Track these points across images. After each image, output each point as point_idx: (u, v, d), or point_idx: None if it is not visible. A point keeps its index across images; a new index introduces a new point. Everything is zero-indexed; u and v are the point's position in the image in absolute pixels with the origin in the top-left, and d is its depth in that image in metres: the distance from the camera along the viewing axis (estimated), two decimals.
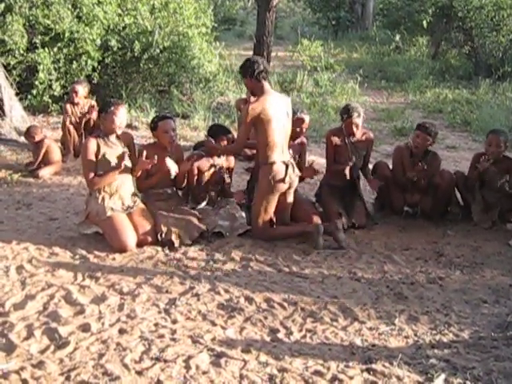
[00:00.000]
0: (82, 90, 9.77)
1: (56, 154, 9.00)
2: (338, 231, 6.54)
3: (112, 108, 6.28)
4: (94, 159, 6.26)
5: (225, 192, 7.14)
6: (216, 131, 7.08)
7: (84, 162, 6.32)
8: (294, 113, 6.95)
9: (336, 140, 7.35)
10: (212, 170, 6.98)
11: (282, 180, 6.44)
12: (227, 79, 15.18)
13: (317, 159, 8.56)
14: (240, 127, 6.75)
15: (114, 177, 6.32)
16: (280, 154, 6.47)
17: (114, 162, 6.29)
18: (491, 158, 7.17)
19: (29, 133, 8.98)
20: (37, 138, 8.91)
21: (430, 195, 7.34)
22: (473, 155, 7.70)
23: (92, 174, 6.25)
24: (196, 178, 6.93)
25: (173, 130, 6.68)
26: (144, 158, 6.36)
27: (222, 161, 7.05)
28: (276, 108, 6.40)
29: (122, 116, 6.37)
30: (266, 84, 6.50)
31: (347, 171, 7.33)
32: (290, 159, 6.62)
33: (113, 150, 6.34)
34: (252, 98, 6.63)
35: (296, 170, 6.61)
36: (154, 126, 6.68)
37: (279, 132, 6.44)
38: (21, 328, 4.55)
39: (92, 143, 6.28)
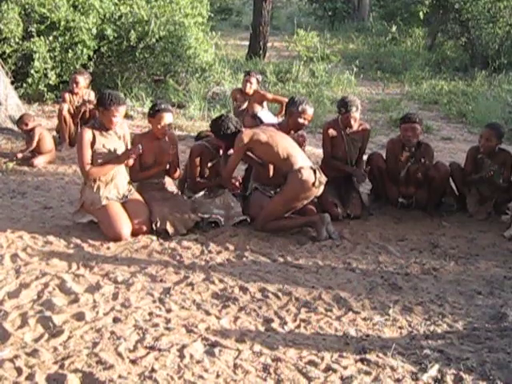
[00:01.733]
0: (83, 80, 9.74)
1: (49, 142, 8.97)
2: (326, 224, 6.52)
3: (112, 108, 6.18)
4: (89, 150, 6.22)
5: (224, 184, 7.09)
6: (222, 130, 6.76)
7: (80, 152, 6.26)
8: (297, 103, 6.95)
9: (333, 132, 7.34)
10: (214, 161, 6.95)
11: (313, 184, 6.39)
12: (223, 69, 15.18)
13: (312, 149, 8.55)
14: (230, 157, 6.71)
15: (111, 169, 6.30)
16: (303, 160, 6.50)
17: (109, 151, 6.27)
18: (484, 152, 7.20)
19: (21, 120, 8.97)
20: (29, 126, 8.88)
21: (425, 187, 7.33)
22: (468, 149, 7.68)
23: (89, 165, 6.21)
24: (198, 169, 6.90)
25: (169, 124, 6.64)
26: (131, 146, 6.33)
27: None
28: (267, 129, 6.55)
29: (121, 115, 6.32)
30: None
31: (345, 167, 7.33)
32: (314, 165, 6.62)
33: (108, 140, 6.31)
34: None
35: (323, 175, 6.55)
36: (152, 113, 6.59)
37: (285, 142, 6.50)
38: (15, 316, 4.54)
39: (87, 133, 6.23)
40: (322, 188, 6.52)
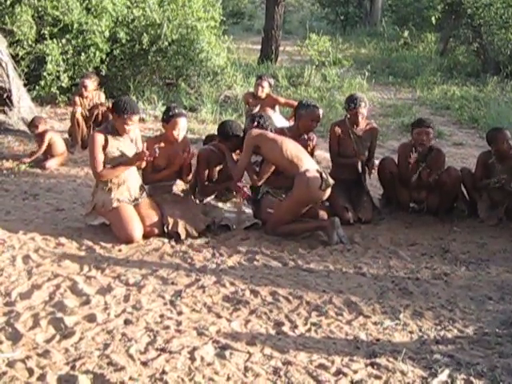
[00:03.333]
0: (91, 84, 9.80)
1: (59, 145, 8.99)
2: (337, 228, 6.52)
3: (126, 116, 6.20)
4: (101, 152, 6.24)
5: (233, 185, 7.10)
6: (227, 133, 6.92)
7: (92, 155, 6.28)
8: (306, 105, 7.00)
9: (339, 132, 7.35)
10: (221, 164, 6.97)
11: (319, 187, 6.39)
12: (235, 73, 15.16)
13: (323, 154, 8.55)
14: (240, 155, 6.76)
15: (123, 171, 6.32)
16: (310, 163, 6.51)
17: (122, 154, 6.29)
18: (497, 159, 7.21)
19: (32, 123, 9.01)
20: (40, 129, 8.91)
21: (437, 192, 7.31)
22: (479, 154, 7.67)
23: (101, 167, 6.24)
24: (207, 174, 6.93)
25: (183, 129, 6.66)
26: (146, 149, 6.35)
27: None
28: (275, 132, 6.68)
29: (134, 124, 6.34)
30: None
31: (358, 165, 7.34)
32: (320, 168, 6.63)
33: (120, 142, 6.33)
34: None
35: (330, 178, 6.54)
36: (167, 119, 6.59)
37: (292, 145, 6.53)
38: (27, 317, 4.57)
39: (99, 136, 6.25)
40: (329, 191, 6.52)
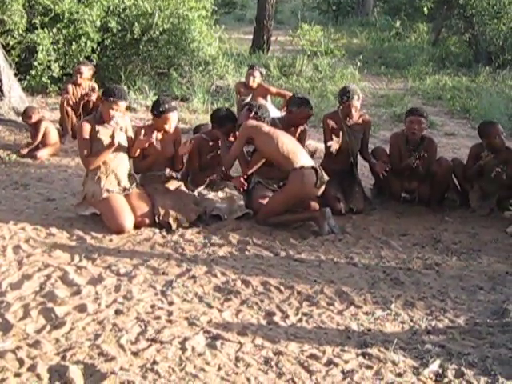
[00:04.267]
0: (87, 71, 9.77)
1: (53, 135, 8.97)
2: (328, 219, 6.52)
3: (112, 99, 6.23)
4: (88, 140, 6.27)
5: (224, 175, 7.10)
6: (221, 119, 6.97)
7: (79, 142, 6.37)
8: (298, 104, 7.02)
9: (332, 124, 7.33)
10: (213, 153, 6.98)
11: (314, 185, 6.39)
12: (227, 63, 15.12)
13: (315, 144, 8.54)
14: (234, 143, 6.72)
15: (107, 154, 6.31)
16: (305, 159, 6.48)
17: (107, 141, 6.28)
18: (489, 152, 7.19)
19: (26, 114, 8.95)
20: (33, 119, 8.88)
21: (428, 182, 7.32)
22: (471, 146, 7.67)
23: (87, 153, 6.26)
24: (197, 161, 6.93)
25: (174, 122, 6.65)
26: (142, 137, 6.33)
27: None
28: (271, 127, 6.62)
29: (120, 110, 6.34)
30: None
31: (333, 146, 7.31)
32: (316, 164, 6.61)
33: (109, 130, 6.32)
34: None
35: (325, 175, 6.54)
36: (157, 114, 6.56)
37: (287, 139, 6.50)
38: (17, 308, 4.56)
39: (86, 125, 6.31)
40: (323, 188, 6.54)
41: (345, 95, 7.23)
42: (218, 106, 10.44)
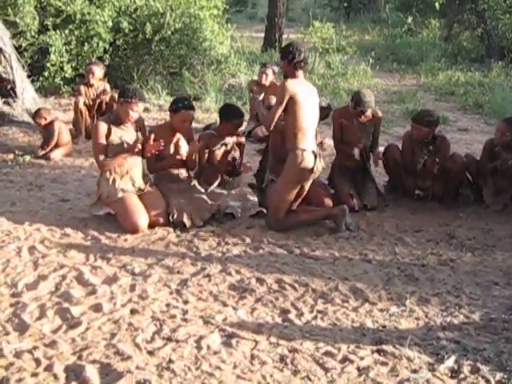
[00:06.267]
0: (99, 71, 9.77)
1: (66, 135, 8.99)
2: (346, 216, 6.49)
3: (132, 101, 6.23)
4: (104, 141, 6.26)
5: (236, 172, 7.11)
6: (228, 114, 7.06)
7: (94, 143, 6.34)
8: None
9: (343, 120, 7.32)
10: (223, 149, 7.00)
11: (311, 170, 6.31)
12: (239, 61, 15.12)
13: (328, 141, 8.53)
14: (274, 105, 6.59)
15: (124, 159, 6.32)
16: (309, 142, 6.34)
17: (123, 143, 6.30)
18: (499, 145, 7.17)
19: (38, 115, 8.95)
20: (47, 120, 8.89)
21: (442, 179, 7.30)
22: (485, 142, 7.65)
23: (102, 156, 6.26)
24: (207, 158, 6.96)
25: (191, 121, 6.68)
26: (152, 141, 6.33)
27: (232, 140, 7.06)
28: (307, 95, 6.31)
29: (138, 111, 6.36)
30: (300, 73, 6.41)
31: (356, 152, 7.31)
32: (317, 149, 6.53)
33: (124, 131, 6.34)
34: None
35: (323, 161, 6.50)
36: (175, 109, 6.62)
37: (310, 118, 6.32)
38: (33, 308, 4.59)
39: (102, 125, 6.29)
40: (318, 174, 6.47)
41: (358, 106, 7.15)
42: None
